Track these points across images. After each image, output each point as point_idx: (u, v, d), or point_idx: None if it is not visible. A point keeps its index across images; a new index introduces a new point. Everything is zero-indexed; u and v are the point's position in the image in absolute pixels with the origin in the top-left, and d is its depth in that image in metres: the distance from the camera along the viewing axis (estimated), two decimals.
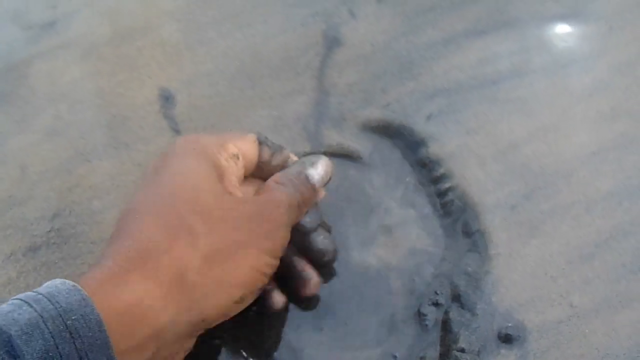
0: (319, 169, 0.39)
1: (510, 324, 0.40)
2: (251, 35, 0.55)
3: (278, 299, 0.39)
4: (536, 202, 0.45)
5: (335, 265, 0.44)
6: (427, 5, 0.55)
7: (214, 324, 0.33)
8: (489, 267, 0.43)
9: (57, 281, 0.28)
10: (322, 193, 0.40)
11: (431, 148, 0.48)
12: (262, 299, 0.39)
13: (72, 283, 0.28)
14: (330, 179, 0.40)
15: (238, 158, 0.37)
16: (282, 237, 0.35)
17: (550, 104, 0.50)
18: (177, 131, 0.50)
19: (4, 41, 0.57)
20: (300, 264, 0.40)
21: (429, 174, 0.47)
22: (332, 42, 0.54)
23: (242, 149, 0.38)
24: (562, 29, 0.54)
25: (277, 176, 0.38)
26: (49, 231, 0.46)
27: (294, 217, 0.36)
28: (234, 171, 0.37)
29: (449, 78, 0.51)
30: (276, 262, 0.35)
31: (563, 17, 0.54)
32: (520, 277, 0.42)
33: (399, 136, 0.49)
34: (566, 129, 0.48)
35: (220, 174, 0.35)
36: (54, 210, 0.47)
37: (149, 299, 0.29)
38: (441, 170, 0.47)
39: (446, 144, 0.48)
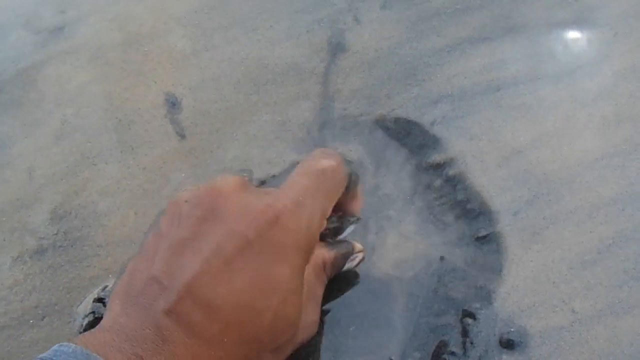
0: (353, 265, 0.40)
1: (512, 330, 0.41)
2: (256, 40, 0.56)
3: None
4: (539, 208, 0.46)
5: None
6: (432, 12, 0.56)
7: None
8: (491, 273, 0.44)
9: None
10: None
11: (435, 154, 0.49)
12: None
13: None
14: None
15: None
16: (314, 331, 0.36)
17: (554, 110, 0.50)
18: (182, 136, 0.51)
19: (14, 46, 0.59)
20: None
21: (433, 179, 0.48)
22: (336, 48, 0.55)
23: (331, 200, 0.36)
24: (566, 35, 0.54)
25: (330, 257, 0.37)
26: (55, 234, 0.48)
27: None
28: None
29: (453, 84, 0.52)
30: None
31: (568, 24, 0.55)
32: (522, 282, 0.43)
33: (402, 142, 0.50)
34: (570, 135, 0.49)
35: (303, 275, 0.34)
36: (61, 214, 0.49)
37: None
38: (445, 176, 0.48)
39: (450, 149, 0.49)
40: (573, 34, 0.55)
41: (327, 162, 0.35)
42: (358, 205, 0.40)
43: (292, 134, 0.51)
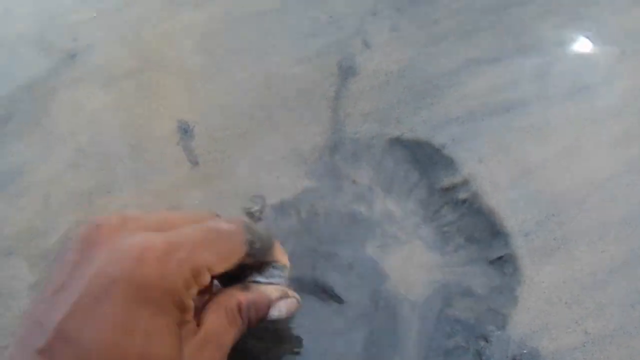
0: (283, 313, 0.37)
1: (524, 351, 0.42)
2: (267, 66, 0.57)
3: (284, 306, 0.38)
4: (550, 228, 0.46)
5: (351, 292, 0.45)
6: (440, 34, 0.57)
7: None
8: (503, 295, 0.44)
9: None
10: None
11: (445, 176, 0.49)
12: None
13: None
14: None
15: (209, 285, 0.35)
16: None
17: (563, 130, 0.51)
18: (195, 163, 0.52)
19: (27, 72, 0.60)
20: None
21: (444, 202, 0.49)
22: (347, 72, 0.56)
23: (219, 258, 0.34)
24: (575, 55, 0.55)
25: (244, 297, 0.36)
26: None
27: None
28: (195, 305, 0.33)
29: (463, 106, 0.53)
30: None
31: (575, 43, 0.56)
32: (534, 303, 0.43)
33: (413, 165, 0.51)
34: (579, 155, 0.50)
35: (181, 323, 0.32)
36: None
37: None
38: (456, 199, 0.48)
39: (460, 172, 0.49)
40: (581, 54, 0.55)
41: (225, 225, 0.35)
42: (283, 260, 0.39)
43: (304, 159, 0.51)
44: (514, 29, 0.57)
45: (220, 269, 0.33)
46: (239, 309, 0.35)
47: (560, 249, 0.46)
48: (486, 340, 0.43)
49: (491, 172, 0.49)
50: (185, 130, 0.54)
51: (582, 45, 0.56)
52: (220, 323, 0.34)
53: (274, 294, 0.37)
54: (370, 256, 0.47)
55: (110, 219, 0.33)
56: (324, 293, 0.45)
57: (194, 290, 0.32)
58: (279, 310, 0.37)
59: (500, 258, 0.46)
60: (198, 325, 0.33)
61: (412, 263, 0.46)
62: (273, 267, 0.38)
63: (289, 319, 0.41)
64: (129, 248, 0.31)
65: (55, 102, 0.58)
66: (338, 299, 0.45)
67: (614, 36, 0.56)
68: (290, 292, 0.39)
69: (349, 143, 0.52)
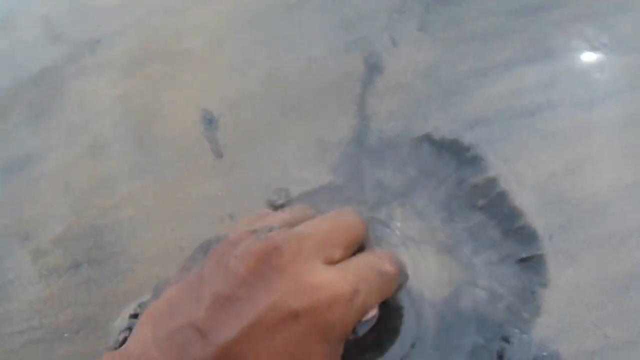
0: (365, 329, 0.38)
1: (544, 353, 0.42)
2: (295, 58, 0.58)
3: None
4: (573, 232, 0.47)
5: None
6: (469, 34, 0.58)
7: None
8: (526, 297, 0.45)
9: None
10: None
11: (471, 176, 0.50)
12: None
13: None
14: None
15: None
16: None
17: (587, 136, 0.51)
18: (219, 154, 0.53)
19: (50, 58, 0.60)
20: None
21: (469, 202, 0.49)
22: (373, 69, 0.56)
23: (379, 297, 0.36)
24: (598, 61, 0.56)
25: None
26: (90, 248, 0.50)
27: None
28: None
29: (489, 107, 0.53)
30: None
31: (599, 50, 0.56)
32: (556, 306, 0.44)
33: (438, 164, 0.51)
34: (602, 161, 0.50)
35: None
36: (96, 228, 0.50)
37: None
38: (480, 199, 0.49)
39: (485, 172, 0.50)
40: (605, 61, 0.56)
41: (390, 268, 0.36)
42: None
43: (329, 153, 0.52)
44: (543, 32, 0.57)
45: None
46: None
47: (582, 253, 0.46)
48: (507, 341, 0.43)
49: (516, 174, 0.50)
50: (210, 121, 0.55)
51: (611, 51, 0.56)
52: None
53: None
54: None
55: (289, 241, 0.33)
56: None
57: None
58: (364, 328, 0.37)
59: (523, 260, 0.46)
60: None
61: (433, 262, 0.47)
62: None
63: None
64: (319, 287, 0.31)
65: (74, 89, 0.58)
66: None
67: (639, 44, 0.56)
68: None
69: (374, 139, 0.52)
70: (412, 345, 0.44)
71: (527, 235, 0.47)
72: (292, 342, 0.30)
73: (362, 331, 0.37)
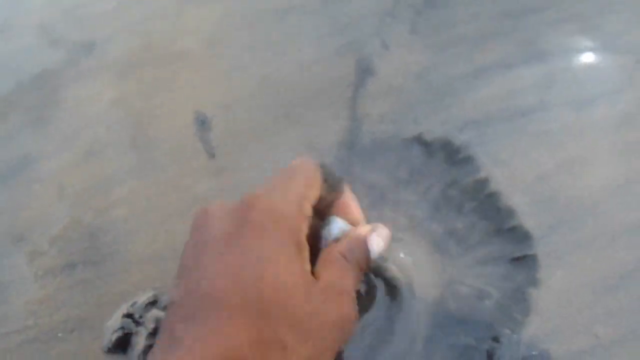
0: (381, 245, 0.39)
1: (534, 353, 0.42)
2: (284, 62, 0.58)
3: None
4: (562, 233, 0.47)
5: (361, 290, 0.45)
6: (459, 37, 0.58)
7: None
8: (516, 297, 0.45)
9: None
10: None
11: (461, 178, 0.50)
12: None
13: None
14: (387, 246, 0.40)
15: (309, 215, 0.37)
16: (351, 304, 0.35)
17: (577, 136, 0.52)
18: (212, 155, 0.53)
19: (44, 63, 0.61)
20: None
21: (459, 203, 0.49)
22: (364, 72, 0.57)
23: (313, 197, 0.37)
24: (589, 62, 0.56)
25: (342, 246, 0.37)
26: (85, 250, 0.50)
27: (357, 285, 0.37)
28: (305, 231, 0.36)
29: (480, 110, 0.54)
30: (356, 323, 0.35)
31: (591, 50, 0.57)
32: (546, 306, 0.44)
33: (429, 166, 0.51)
34: (592, 162, 0.50)
35: (301, 251, 0.34)
36: (91, 230, 0.51)
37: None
38: (470, 201, 0.49)
39: (475, 174, 0.50)
40: (597, 62, 0.56)
41: (294, 161, 0.39)
42: (355, 210, 0.41)
43: (320, 156, 0.52)
44: (532, 35, 0.58)
45: (313, 196, 0.37)
46: (344, 257, 0.37)
47: (572, 253, 0.47)
48: (497, 341, 0.43)
49: (506, 176, 0.50)
50: (202, 122, 0.55)
51: (597, 53, 0.57)
52: (334, 274, 0.35)
53: (363, 230, 0.39)
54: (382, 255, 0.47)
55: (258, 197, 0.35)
56: None
57: (305, 227, 0.35)
58: (377, 244, 0.39)
59: (514, 260, 0.47)
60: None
61: (425, 263, 0.47)
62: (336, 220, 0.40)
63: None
64: (239, 203, 0.35)
65: (70, 93, 0.59)
66: None
67: (630, 45, 0.57)
68: (375, 224, 0.41)
69: (366, 142, 0.53)
70: (404, 345, 0.44)
71: (518, 236, 0.48)
72: (236, 252, 0.33)
73: (374, 249, 0.39)
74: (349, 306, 0.34)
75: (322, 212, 0.40)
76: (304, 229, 0.35)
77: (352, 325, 0.34)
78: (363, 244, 0.38)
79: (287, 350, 0.30)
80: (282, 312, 0.31)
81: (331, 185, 0.40)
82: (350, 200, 0.41)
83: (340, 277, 0.35)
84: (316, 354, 0.31)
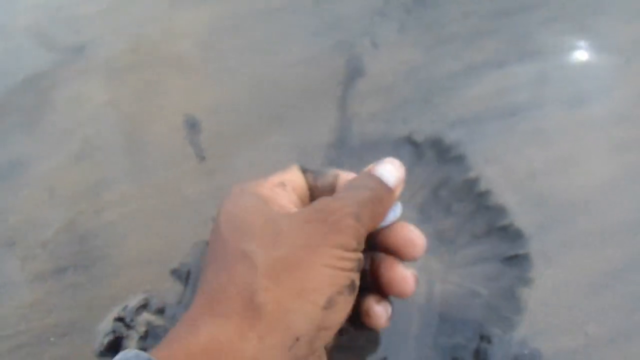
0: (388, 167, 0.37)
1: (525, 352, 0.43)
2: (274, 64, 0.58)
3: (378, 310, 0.37)
4: (552, 232, 0.48)
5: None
6: (448, 36, 0.58)
7: (319, 342, 0.32)
8: (506, 296, 0.45)
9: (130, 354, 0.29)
10: (397, 191, 0.37)
11: (451, 178, 0.50)
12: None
13: (146, 356, 0.28)
14: (403, 179, 0.38)
15: (284, 185, 0.37)
16: (352, 228, 0.33)
17: (568, 135, 0.52)
18: (202, 157, 0.53)
19: (32, 66, 0.61)
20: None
21: (448, 203, 0.50)
22: (354, 72, 0.57)
23: (286, 178, 0.38)
24: (579, 61, 0.56)
25: (343, 183, 0.37)
26: (76, 253, 0.50)
27: (367, 212, 0.34)
28: (283, 196, 0.36)
29: (469, 108, 0.54)
30: (355, 255, 0.33)
31: (580, 49, 0.57)
32: (535, 305, 0.45)
33: (419, 165, 0.52)
34: (582, 160, 0.51)
35: (266, 201, 0.35)
36: (81, 233, 0.51)
37: (222, 335, 0.29)
38: (462, 200, 0.49)
39: (466, 173, 0.50)
40: (586, 61, 0.56)
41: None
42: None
43: (310, 157, 0.52)
44: (520, 34, 0.58)
45: (288, 179, 0.38)
46: (343, 185, 0.37)
47: (562, 252, 0.47)
48: (488, 340, 0.44)
49: (497, 175, 0.50)
50: (192, 125, 0.55)
51: (587, 52, 0.57)
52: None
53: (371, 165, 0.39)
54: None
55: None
56: None
57: (267, 186, 0.37)
58: (386, 170, 0.37)
59: (504, 260, 0.47)
60: None
61: (418, 261, 0.46)
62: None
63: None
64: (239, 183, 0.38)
65: (60, 95, 0.59)
66: None
67: (619, 44, 0.57)
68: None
69: (356, 142, 0.53)
70: (394, 345, 0.44)
71: (509, 235, 0.48)
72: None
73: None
74: (340, 203, 0.33)
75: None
76: (266, 188, 0.36)
77: (348, 218, 0.33)
78: (366, 171, 0.38)
79: (250, 257, 0.31)
80: (239, 233, 0.33)
81: (315, 172, 0.39)
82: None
83: (334, 195, 0.35)
84: (288, 253, 0.32)
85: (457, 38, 0.58)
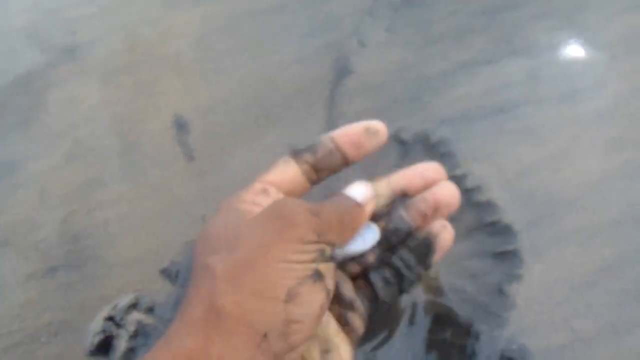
0: (355, 186, 0.37)
1: (513, 347, 0.43)
2: (265, 64, 0.59)
3: (357, 323, 0.37)
4: (542, 229, 0.48)
5: None
6: (436, 36, 0.58)
7: (294, 336, 0.32)
8: (495, 293, 0.46)
9: None
10: (368, 208, 0.37)
11: None
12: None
13: None
14: (373, 198, 0.37)
15: (267, 191, 0.37)
16: (307, 220, 0.33)
17: (557, 132, 0.52)
18: (191, 157, 0.54)
19: (25, 67, 0.61)
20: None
21: None
22: (342, 72, 0.57)
23: (271, 179, 0.38)
24: (567, 58, 0.56)
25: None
26: (68, 253, 0.51)
27: (327, 211, 0.35)
28: (265, 204, 0.36)
29: (457, 107, 0.54)
30: (314, 247, 0.33)
31: (568, 47, 0.57)
32: (524, 302, 0.45)
33: (406, 163, 0.49)
34: (572, 157, 0.51)
35: (246, 214, 0.35)
36: (73, 233, 0.52)
37: (190, 342, 0.31)
38: None
39: (453, 171, 0.50)
40: (573, 58, 0.57)
41: None
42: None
43: None
44: (508, 32, 0.58)
45: (269, 178, 0.39)
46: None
47: (551, 248, 0.47)
48: (476, 335, 0.44)
49: (486, 172, 0.51)
50: (181, 126, 0.56)
51: (575, 49, 0.57)
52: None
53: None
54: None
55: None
56: None
57: (246, 198, 0.37)
58: (355, 190, 0.37)
59: (492, 256, 0.47)
60: None
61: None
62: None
63: None
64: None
65: (52, 96, 0.59)
66: None
67: (606, 41, 0.57)
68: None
69: None
70: (382, 340, 0.45)
71: (497, 232, 0.48)
72: None
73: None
74: (293, 201, 0.34)
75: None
76: (246, 200, 0.37)
77: (301, 214, 0.33)
78: (333, 194, 0.37)
79: (210, 267, 0.32)
80: (204, 247, 0.34)
81: (309, 147, 0.39)
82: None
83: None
84: (244, 254, 0.32)
85: (445, 36, 0.59)
